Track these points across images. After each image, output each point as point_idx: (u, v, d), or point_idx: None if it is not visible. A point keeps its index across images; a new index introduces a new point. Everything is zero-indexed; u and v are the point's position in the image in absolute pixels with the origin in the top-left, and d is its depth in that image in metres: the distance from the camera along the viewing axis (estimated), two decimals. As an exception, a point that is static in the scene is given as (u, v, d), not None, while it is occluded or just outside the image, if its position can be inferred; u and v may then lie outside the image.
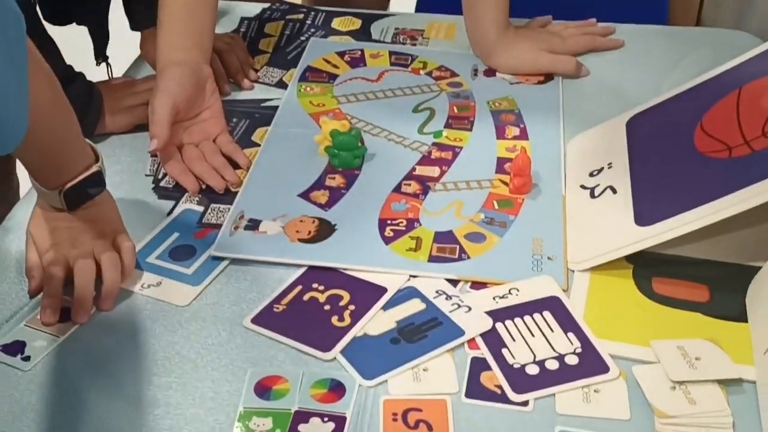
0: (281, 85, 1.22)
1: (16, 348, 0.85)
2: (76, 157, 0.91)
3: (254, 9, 1.40)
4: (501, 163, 1.07)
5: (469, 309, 0.87)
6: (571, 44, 1.27)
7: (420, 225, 0.97)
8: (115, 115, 1.09)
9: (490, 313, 0.87)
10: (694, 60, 1.27)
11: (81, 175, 0.90)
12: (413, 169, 1.06)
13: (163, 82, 1.05)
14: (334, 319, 0.86)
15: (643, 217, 0.93)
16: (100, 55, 1.27)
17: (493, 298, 0.89)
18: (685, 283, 0.91)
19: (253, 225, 0.97)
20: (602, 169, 1.03)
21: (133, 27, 1.26)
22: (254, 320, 0.86)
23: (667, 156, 0.99)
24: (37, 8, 1.13)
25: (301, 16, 1.38)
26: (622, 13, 1.42)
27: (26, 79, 0.70)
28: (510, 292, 0.89)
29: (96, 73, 1.18)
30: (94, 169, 0.91)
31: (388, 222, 0.98)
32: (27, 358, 0.83)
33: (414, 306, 0.88)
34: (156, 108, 1.02)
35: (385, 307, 0.87)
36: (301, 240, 0.95)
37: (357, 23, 1.36)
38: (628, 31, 1.34)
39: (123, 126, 1.10)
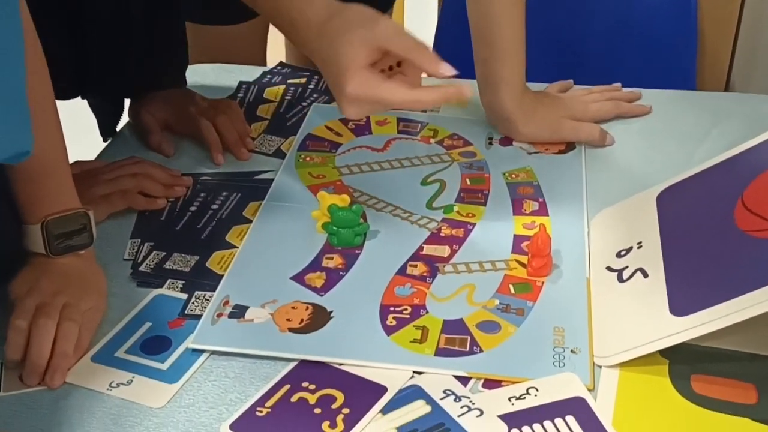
0: (279, 154, 1.13)
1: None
2: (65, 192, 0.89)
3: (254, 72, 1.31)
4: (518, 241, 0.97)
5: (481, 412, 0.76)
6: (594, 110, 1.17)
7: (426, 312, 0.87)
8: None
9: (504, 418, 0.75)
10: (728, 128, 1.17)
11: (66, 212, 0.88)
12: (420, 248, 0.96)
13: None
14: (326, 426, 0.74)
15: (679, 306, 0.81)
16: (110, 132, 1.18)
17: (509, 399, 0.77)
18: (729, 382, 0.79)
19: (239, 312, 0.87)
20: (631, 249, 0.93)
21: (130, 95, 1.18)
22: (233, 426, 0.75)
23: (705, 235, 0.89)
24: None
25: (303, 80, 1.29)
26: (648, 77, 1.34)
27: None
28: (528, 392, 0.78)
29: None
30: (81, 211, 0.89)
31: (391, 309, 0.87)
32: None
33: (418, 409, 0.76)
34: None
35: (384, 410, 0.76)
36: (292, 330, 0.84)
37: (363, 88, 1.27)
38: (654, 96, 1.25)
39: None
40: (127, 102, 1.18)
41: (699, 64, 1.57)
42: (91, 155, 1.13)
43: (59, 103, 1.05)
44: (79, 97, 1.14)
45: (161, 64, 1.16)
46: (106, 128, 1.18)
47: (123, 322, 0.87)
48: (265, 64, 1.47)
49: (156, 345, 0.84)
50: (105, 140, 1.18)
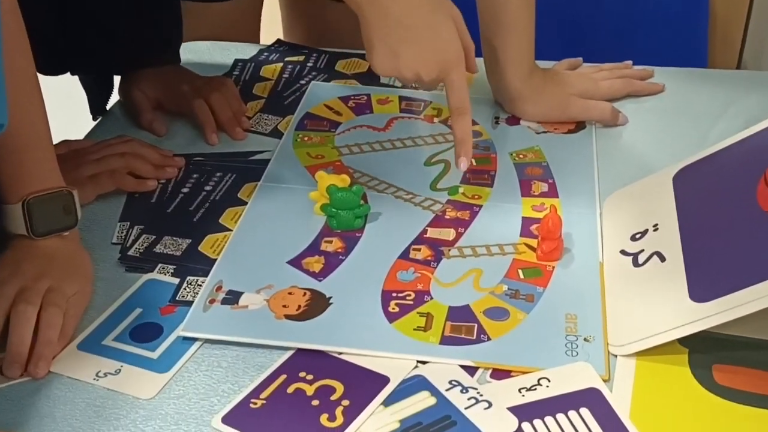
0: (276, 134, 1.08)
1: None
2: (48, 170, 0.84)
3: (251, 50, 1.26)
4: (527, 224, 0.92)
5: (489, 405, 0.71)
6: (605, 88, 1.12)
7: (431, 298, 0.82)
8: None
9: (514, 410, 0.71)
10: (744, 107, 1.13)
11: (49, 191, 0.83)
12: (424, 231, 0.91)
13: None
14: (324, 419, 0.70)
15: (699, 292, 0.77)
16: (100, 110, 1.13)
17: (519, 391, 0.73)
18: (753, 372, 0.75)
19: (233, 298, 0.82)
20: (646, 231, 0.88)
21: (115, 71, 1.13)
22: (225, 419, 0.70)
23: (726, 216, 0.84)
24: None
25: (301, 57, 1.24)
26: (658, 54, 1.28)
27: None
28: (539, 383, 0.74)
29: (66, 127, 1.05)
30: (64, 190, 0.84)
31: (393, 295, 0.83)
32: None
33: (422, 400, 0.72)
34: None
35: (386, 402, 0.72)
36: (288, 317, 0.80)
37: (364, 66, 1.22)
38: (666, 74, 1.20)
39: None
40: (117, 80, 1.13)
41: (710, 42, 1.52)
42: (83, 135, 1.08)
43: (53, 82, 1.00)
44: (69, 74, 1.09)
45: (154, 39, 1.11)
46: (96, 106, 1.13)
47: (112, 307, 0.83)
48: (258, 42, 1.42)
49: (146, 332, 0.80)
50: (95, 119, 1.13)
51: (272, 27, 1.50)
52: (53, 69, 1.05)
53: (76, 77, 1.13)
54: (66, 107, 1.22)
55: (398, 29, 0.87)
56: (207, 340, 0.78)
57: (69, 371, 0.76)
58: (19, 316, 0.76)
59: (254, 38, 1.43)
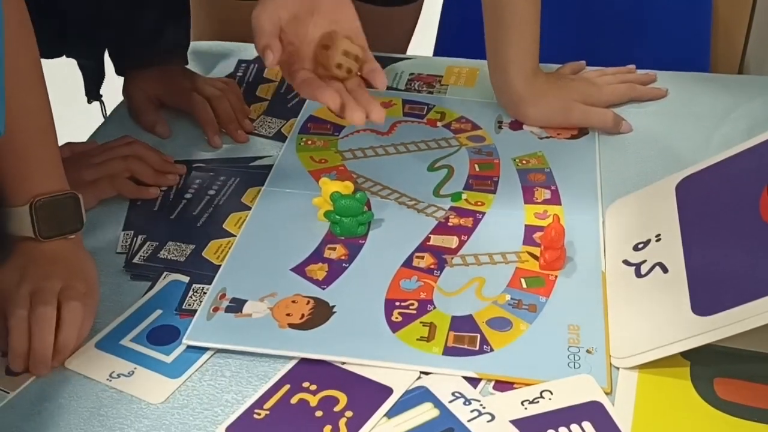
0: (279, 137, 1.08)
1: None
2: (53, 170, 0.84)
3: (254, 50, 1.25)
4: (529, 232, 0.92)
5: (492, 417, 0.71)
6: (608, 93, 1.12)
7: (434, 308, 0.82)
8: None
9: (517, 423, 0.71)
10: (747, 111, 1.13)
11: (56, 193, 0.83)
12: (427, 238, 0.91)
13: None
14: (327, 430, 0.70)
15: (702, 305, 0.77)
16: (93, 94, 1.14)
17: (522, 403, 0.73)
18: (756, 387, 0.75)
19: (237, 306, 0.82)
20: (649, 241, 0.88)
21: (119, 71, 1.13)
22: (229, 430, 0.70)
23: (728, 228, 0.84)
24: None
25: (305, 59, 1.24)
26: (660, 58, 1.28)
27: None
28: (542, 396, 0.74)
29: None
30: (70, 194, 0.84)
31: (397, 303, 0.83)
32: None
33: (425, 412, 0.72)
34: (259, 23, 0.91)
35: (389, 414, 0.72)
36: (292, 326, 0.80)
37: (367, 67, 1.22)
38: (669, 78, 1.19)
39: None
40: (111, 69, 1.13)
41: (713, 46, 1.51)
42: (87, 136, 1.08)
43: (59, 86, 1.00)
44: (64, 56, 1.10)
45: (160, 39, 1.10)
46: (91, 89, 1.13)
47: (134, 306, 0.83)
48: None
49: (163, 335, 0.80)
50: (89, 101, 1.13)
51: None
52: (49, 53, 1.05)
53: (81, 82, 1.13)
54: (71, 107, 1.22)
55: None
56: (213, 348, 0.78)
57: (85, 370, 0.76)
58: (39, 319, 0.76)
59: None
